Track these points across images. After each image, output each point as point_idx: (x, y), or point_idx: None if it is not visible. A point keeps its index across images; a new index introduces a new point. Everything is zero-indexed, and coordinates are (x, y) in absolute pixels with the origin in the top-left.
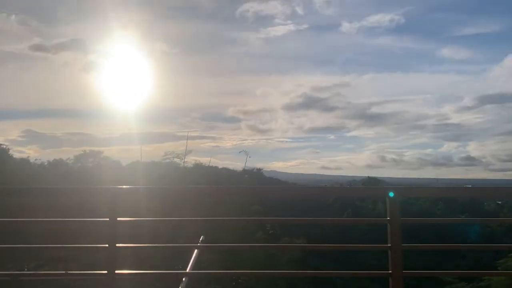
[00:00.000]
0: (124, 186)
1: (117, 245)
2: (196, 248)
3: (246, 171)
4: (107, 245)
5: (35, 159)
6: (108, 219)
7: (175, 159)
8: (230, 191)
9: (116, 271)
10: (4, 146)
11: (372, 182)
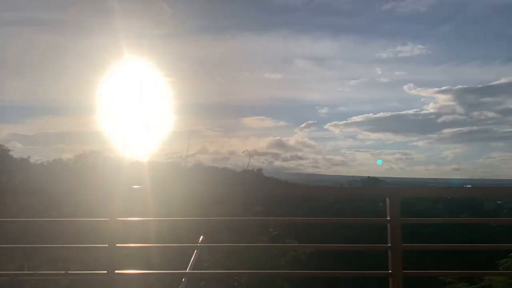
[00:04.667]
0: (124, 186)
1: (117, 245)
2: (196, 248)
3: (246, 171)
4: (107, 245)
5: (35, 159)
6: (108, 219)
7: (178, 159)
8: (230, 191)
9: (116, 271)
10: (4, 147)
11: (372, 182)
